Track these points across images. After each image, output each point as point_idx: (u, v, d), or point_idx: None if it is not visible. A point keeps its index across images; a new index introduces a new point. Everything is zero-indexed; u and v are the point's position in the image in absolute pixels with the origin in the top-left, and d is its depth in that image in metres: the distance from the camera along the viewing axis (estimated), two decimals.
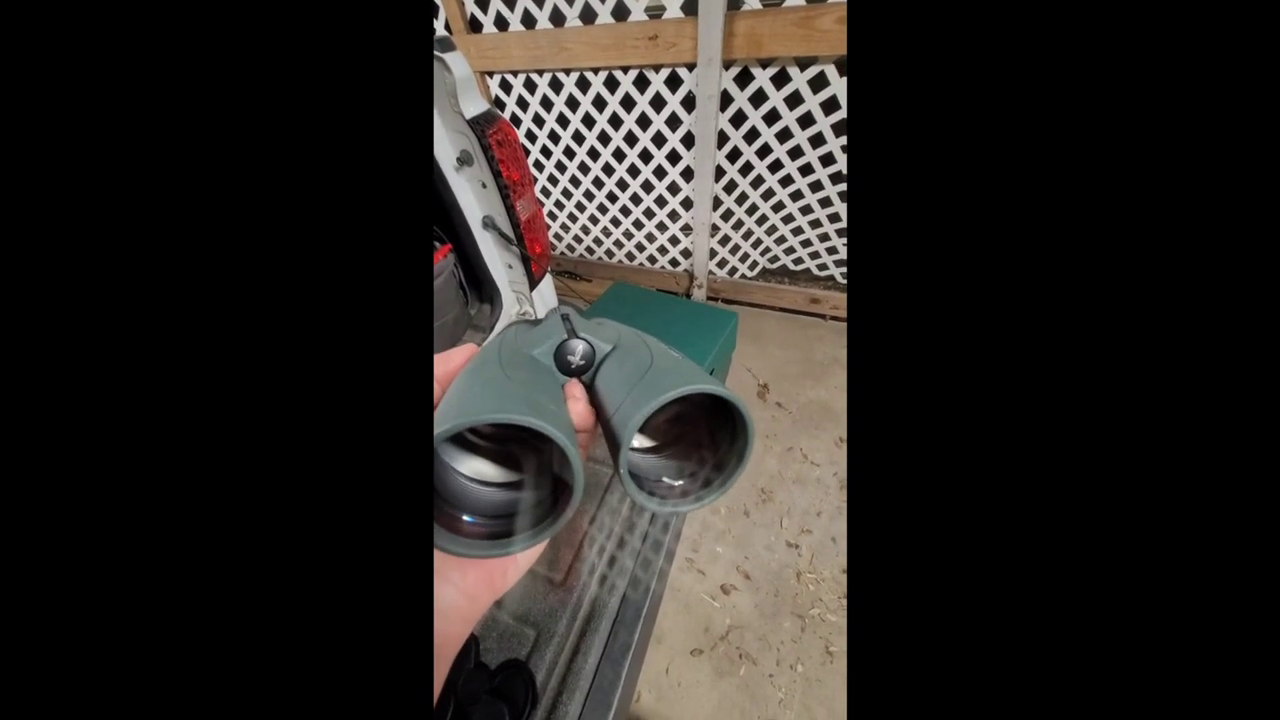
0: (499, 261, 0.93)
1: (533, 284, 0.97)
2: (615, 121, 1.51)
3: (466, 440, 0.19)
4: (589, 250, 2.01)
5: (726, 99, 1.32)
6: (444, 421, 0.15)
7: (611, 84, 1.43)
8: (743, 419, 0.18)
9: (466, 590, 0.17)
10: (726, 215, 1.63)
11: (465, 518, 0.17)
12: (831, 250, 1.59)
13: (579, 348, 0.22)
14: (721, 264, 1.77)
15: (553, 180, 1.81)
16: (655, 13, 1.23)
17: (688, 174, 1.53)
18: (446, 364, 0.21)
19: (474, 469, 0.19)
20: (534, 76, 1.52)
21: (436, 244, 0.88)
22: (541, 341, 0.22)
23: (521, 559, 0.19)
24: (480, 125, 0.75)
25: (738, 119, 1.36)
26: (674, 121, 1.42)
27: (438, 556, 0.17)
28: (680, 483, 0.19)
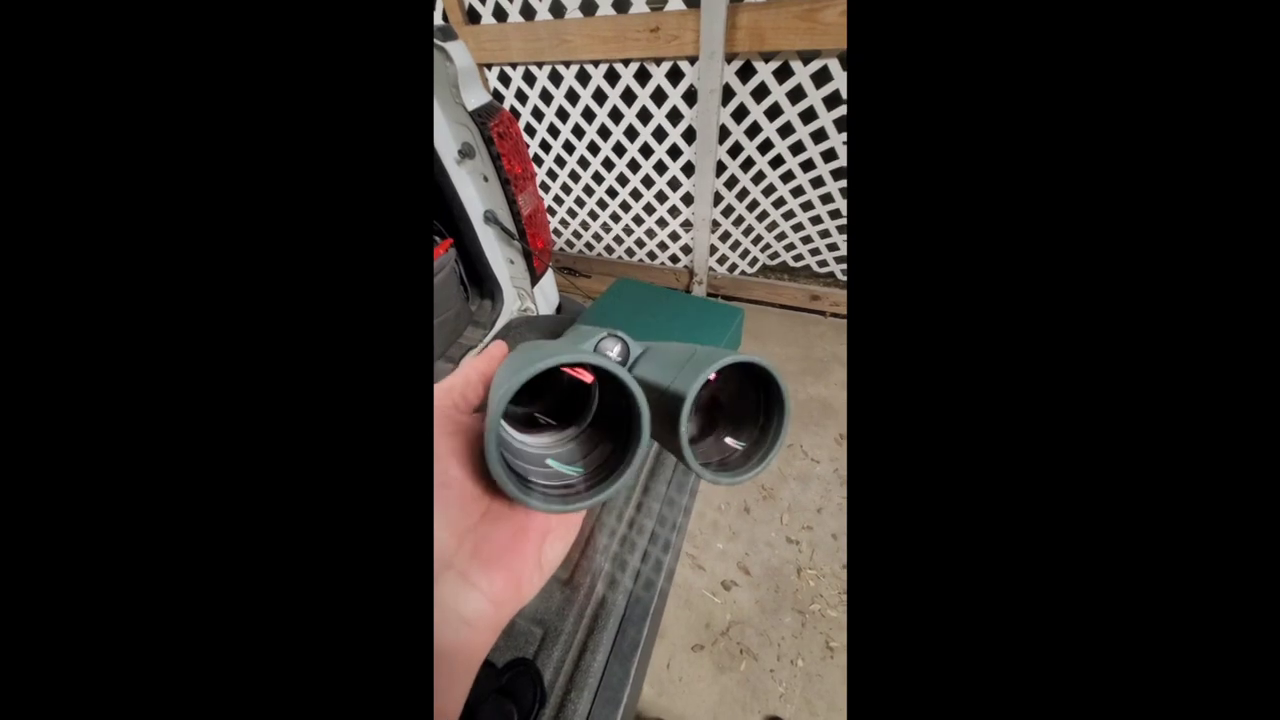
0: (500, 257, 0.93)
1: (534, 280, 0.96)
2: (615, 115, 1.50)
3: (519, 414, 0.20)
4: (588, 246, 2.00)
5: (728, 93, 1.31)
6: (508, 380, 0.15)
7: (612, 77, 1.41)
8: (780, 393, 0.19)
9: (494, 597, 0.17)
10: (727, 211, 1.62)
11: (537, 480, 0.17)
12: (832, 247, 1.58)
13: (615, 346, 0.23)
14: (722, 260, 1.77)
15: (551, 175, 1.79)
16: (657, 5, 1.22)
17: (688, 169, 1.52)
18: (490, 362, 0.21)
19: (527, 439, 0.20)
20: (533, 69, 1.50)
21: (437, 239, 0.87)
22: (575, 344, 0.23)
23: (546, 562, 0.19)
24: (482, 117, 0.74)
25: (739, 113, 1.35)
26: (675, 116, 1.41)
27: (460, 562, 0.17)
28: (732, 453, 0.20)
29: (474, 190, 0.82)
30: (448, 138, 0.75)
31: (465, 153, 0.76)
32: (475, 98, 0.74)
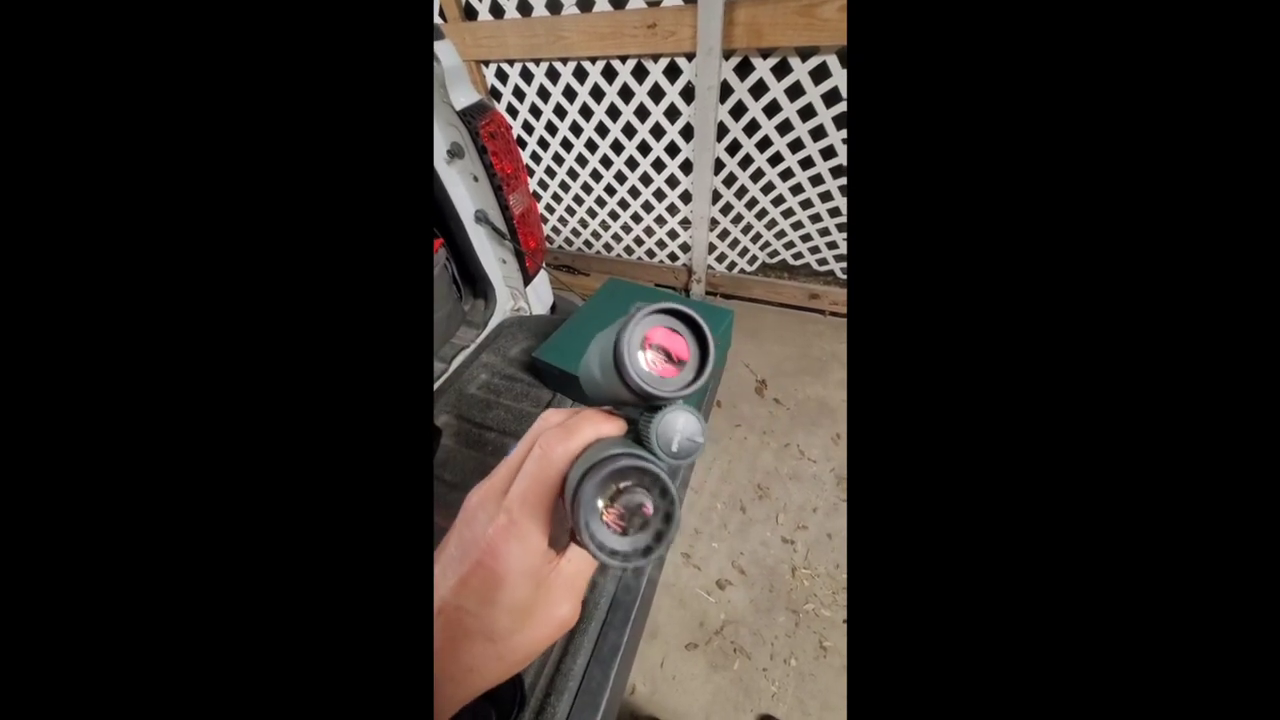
0: (492, 256, 0.92)
1: (527, 279, 0.96)
2: (613, 113, 1.48)
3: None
4: (586, 244, 1.99)
5: (726, 90, 1.30)
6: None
7: (609, 74, 1.40)
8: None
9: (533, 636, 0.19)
10: (726, 209, 1.61)
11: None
12: (831, 245, 1.57)
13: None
14: (720, 259, 1.76)
15: (550, 172, 1.79)
16: (654, 0, 1.20)
17: (686, 167, 1.51)
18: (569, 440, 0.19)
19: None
20: (530, 66, 1.49)
21: None
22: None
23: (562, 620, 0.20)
24: (471, 117, 0.73)
25: (738, 111, 1.34)
26: (673, 113, 1.40)
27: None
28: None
29: (464, 190, 0.82)
30: (437, 137, 0.75)
31: (454, 152, 0.76)
32: (464, 97, 0.74)
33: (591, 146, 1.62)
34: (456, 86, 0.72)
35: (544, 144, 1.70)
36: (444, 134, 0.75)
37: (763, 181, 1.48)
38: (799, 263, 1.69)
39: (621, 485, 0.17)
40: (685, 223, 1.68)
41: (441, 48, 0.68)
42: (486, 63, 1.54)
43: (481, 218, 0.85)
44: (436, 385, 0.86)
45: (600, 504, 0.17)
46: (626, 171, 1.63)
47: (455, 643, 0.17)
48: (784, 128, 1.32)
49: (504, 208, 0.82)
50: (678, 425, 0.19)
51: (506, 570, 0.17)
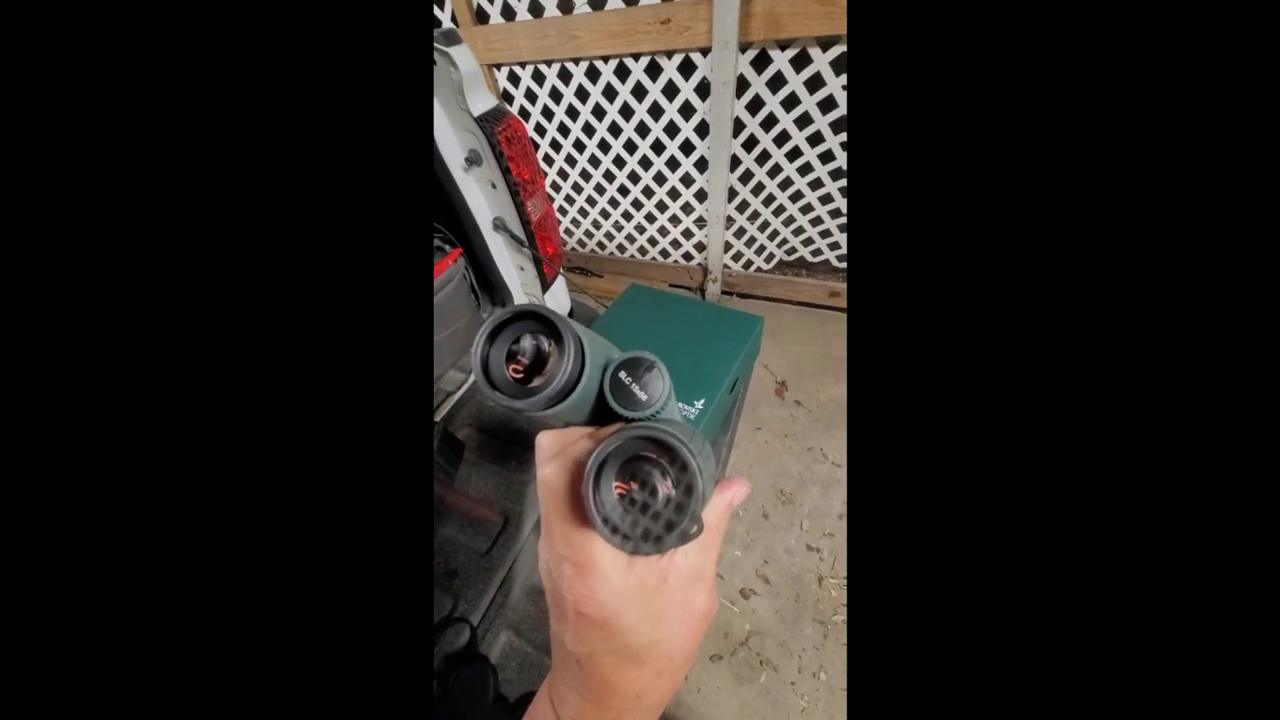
0: (510, 264, 0.91)
1: (545, 286, 0.95)
2: (626, 112, 1.46)
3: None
4: (600, 245, 1.98)
5: (743, 84, 1.26)
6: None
7: (622, 72, 1.38)
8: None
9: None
10: (742, 207, 1.57)
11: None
12: None
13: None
14: (736, 257, 1.72)
15: (563, 174, 1.77)
16: None
17: (702, 164, 1.48)
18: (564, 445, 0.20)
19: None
20: (542, 68, 1.47)
21: (447, 248, 0.86)
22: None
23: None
24: (488, 122, 0.72)
25: (754, 105, 1.30)
26: (687, 110, 1.37)
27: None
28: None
29: (482, 197, 0.81)
30: (454, 145, 0.74)
31: (472, 159, 0.75)
32: (481, 102, 0.72)
33: (604, 147, 1.60)
34: (474, 92, 0.70)
35: (556, 146, 1.69)
36: (461, 141, 0.74)
37: (780, 177, 1.44)
38: (818, 260, 1.64)
39: (631, 463, 0.17)
40: (700, 221, 1.65)
41: (459, 52, 0.66)
42: (499, 66, 1.53)
43: (500, 225, 0.83)
44: (457, 397, 0.85)
45: (614, 486, 0.17)
46: (640, 171, 1.61)
47: (612, 680, 0.18)
48: (803, 121, 1.28)
49: (521, 213, 0.80)
50: (621, 374, 0.18)
51: (602, 607, 0.17)
